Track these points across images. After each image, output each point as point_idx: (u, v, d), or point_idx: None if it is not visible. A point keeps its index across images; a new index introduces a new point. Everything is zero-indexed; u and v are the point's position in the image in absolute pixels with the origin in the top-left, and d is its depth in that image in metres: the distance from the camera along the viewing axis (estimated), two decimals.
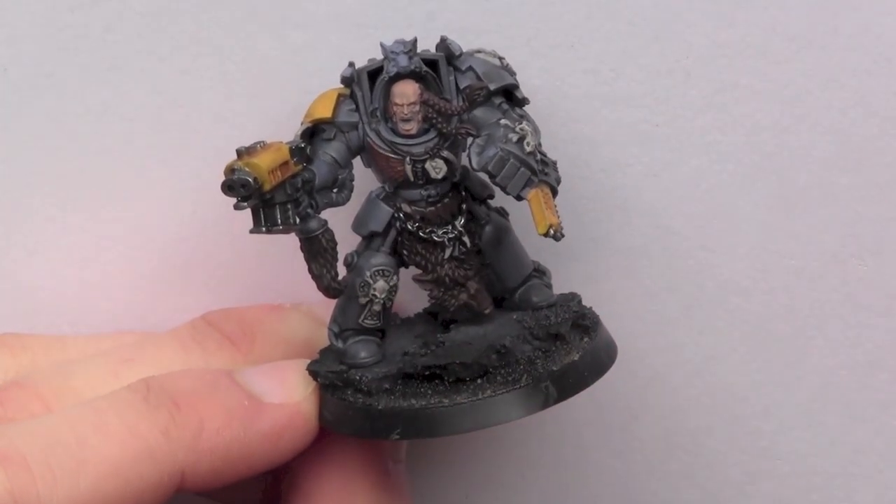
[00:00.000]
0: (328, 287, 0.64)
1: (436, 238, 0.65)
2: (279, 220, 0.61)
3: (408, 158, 0.64)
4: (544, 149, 0.65)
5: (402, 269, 0.67)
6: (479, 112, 0.64)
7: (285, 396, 0.65)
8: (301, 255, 0.64)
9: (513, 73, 0.66)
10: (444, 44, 0.65)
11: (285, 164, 0.61)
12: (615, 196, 0.72)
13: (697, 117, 0.71)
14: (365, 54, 0.65)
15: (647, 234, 0.73)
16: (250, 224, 0.61)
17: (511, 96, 0.65)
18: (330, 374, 0.65)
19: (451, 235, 0.65)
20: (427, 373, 0.63)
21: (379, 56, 0.64)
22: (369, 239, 0.66)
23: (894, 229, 0.73)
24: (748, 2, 0.69)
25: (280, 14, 0.70)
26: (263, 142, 0.61)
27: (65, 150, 0.73)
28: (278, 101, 0.71)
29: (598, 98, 0.71)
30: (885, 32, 0.69)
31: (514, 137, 0.63)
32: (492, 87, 0.64)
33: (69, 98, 0.72)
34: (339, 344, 0.66)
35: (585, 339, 0.64)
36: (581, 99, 0.71)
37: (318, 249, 0.64)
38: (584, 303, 0.67)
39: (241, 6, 0.70)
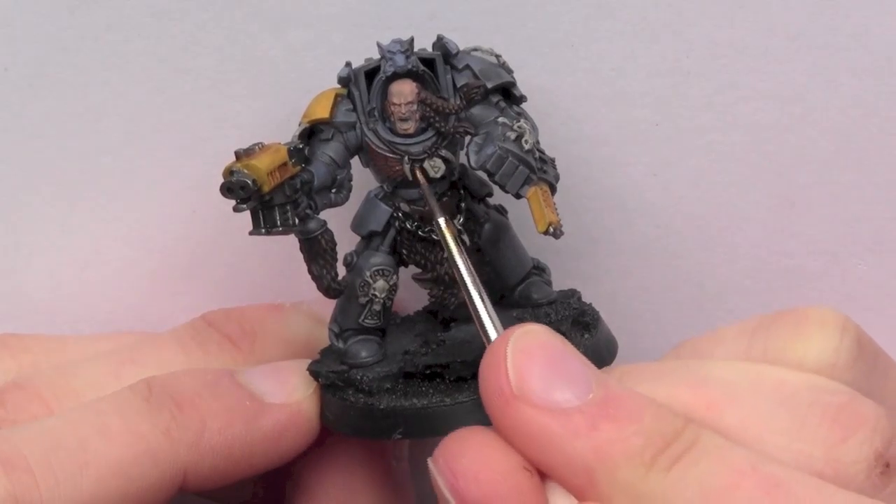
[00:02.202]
0: (328, 287, 0.64)
1: (435, 237, 0.65)
2: (278, 222, 0.61)
3: (406, 158, 0.64)
4: (544, 148, 0.65)
5: (402, 268, 0.67)
6: (476, 110, 0.64)
7: (286, 396, 0.65)
8: (300, 255, 0.64)
9: (510, 71, 0.66)
10: (440, 42, 0.65)
11: (284, 165, 0.61)
12: (615, 195, 0.73)
13: (697, 117, 0.71)
14: (365, 54, 0.65)
15: (647, 233, 0.73)
16: (250, 225, 0.61)
17: (508, 94, 0.65)
18: (331, 375, 0.65)
19: None
20: (428, 372, 0.63)
21: (377, 55, 0.64)
22: (368, 239, 0.66)
23: (894, 229, 0.73)
24: (748, 2, 0.69)
25: (280, 14, 0.70)
26: (262, 143, 0.61)
27: (65, 151, 0.73)
28: (278, 101, 0.71)
29: (598, 98, 0.71)
30: (885, 32, 0.69)
31: (513, 135, 0.63)
32: (489, 85, 0.64)
33: (69, 98, 0.72)
34: (340, 344, 0.66)
35: (586, 336, 0.64)
36: (581, 99, 0.71)
37: (317, 250, 0.64)
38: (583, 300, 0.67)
39: (241, 6, 0.70)
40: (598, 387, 0.52)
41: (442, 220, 0.61)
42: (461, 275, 0.59)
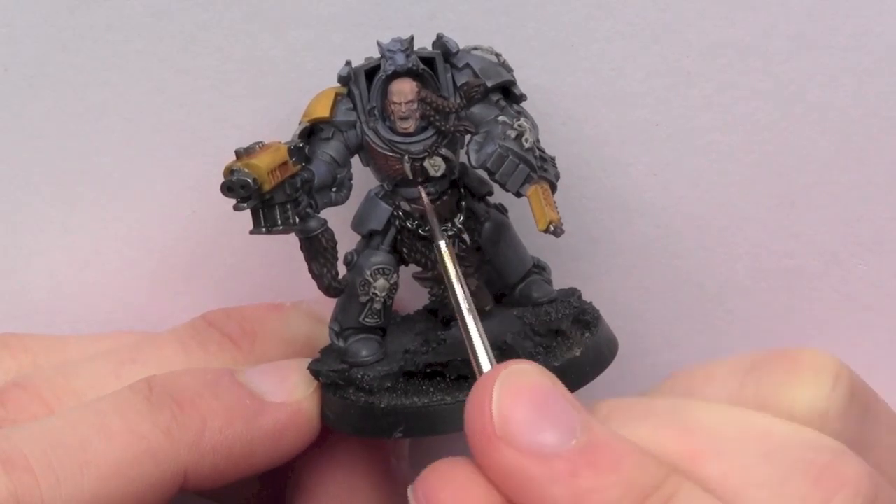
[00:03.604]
0: (329, 286, 0.64)
1: None
2: (279, 221, 0.61)
3: (406, 156, 0.64)
4: (544, 147, 0.65)
5: (402, 267, 0.67)
6: (476, 109, 0.64)
7: (287, 395, 0.65)
8: (301, 254, 0.64)
9: (510, 70, 0.66)
10: (440, 41, 0.65)
11: (284, 164, 0.61)
12: (615, 195, 0.73)
13: (697, 117, 0.71)
14: (365, 54, 0.65)
15: (647, 233, 0.73)
16: (250, 224, 0.61)
17: (508, 93, 0.65)
18: (331, 373, 0.65)
19: (450, 233, 0.65)
20: (429, 370, 0.63)
21: (377, 55, 0.64)
22: (369, 237, 0.66)
23: (894, 229, 0.73)
24: (748, 2, 0.69)
25: (280, 14, 0.70)
26: (262, 142, 0.61)
27: (65, 151, 0.73)
28: (278, 101, 0.71)
29: (598, 98, 0.71)
30: (885, 32, 0.69)
31: (513, 134, 0.63)
32: (489, 83, 0.64)
33: (69, 98, 0.72)
34: (341, 343, 0.66)
35: (587, 335, 0.64)
36: (581, 99, 0.71)
37: (318, 249, 0.64)
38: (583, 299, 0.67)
39: (241, 6, 0.70)
40: (582, 432, 0.51)
41: (443, 244, 0.61)
42: (457, 300, 0.58)
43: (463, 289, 0.58)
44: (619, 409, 0.56)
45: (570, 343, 0.63)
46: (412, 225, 0.65)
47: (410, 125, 0.64)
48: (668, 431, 0.54)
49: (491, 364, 0.56)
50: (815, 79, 0.70)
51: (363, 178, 0.66)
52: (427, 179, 0.65)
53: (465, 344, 0.63)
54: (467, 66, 0.64)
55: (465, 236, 0.66)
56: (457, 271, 0.59)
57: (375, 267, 0.65)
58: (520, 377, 0.52)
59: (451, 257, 0.60)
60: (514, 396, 0.52)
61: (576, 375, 0.62)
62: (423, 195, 0.64)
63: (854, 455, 0.53)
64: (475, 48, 0.65)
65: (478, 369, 0.56)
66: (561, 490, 0.50)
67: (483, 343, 0.57)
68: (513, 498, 0.52)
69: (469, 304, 0.58)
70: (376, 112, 0.64)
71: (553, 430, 0.51)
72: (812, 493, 0.52)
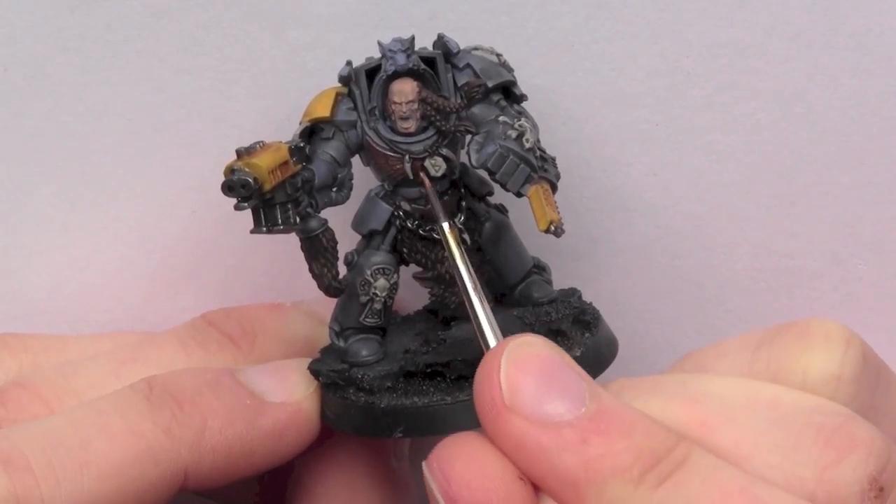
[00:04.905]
0: (329, 286, 0.64)
1: (435, 236, 0.65)
2: (279, 220, 0.61)
3: (407, 156, 0.64)
4: (544, 147, 0.65)
5: (403, 267, 0.67)
6: (477, 109, 0.64)
7: (287, 395, 0.65)
8: (301, 254, 0.64)
9: (510, 70, 0.66)
10: (441, 41, 0.65)
11: (285, 163, 0.61)
12: (615, 195, 0.73)
13: (697, 117, 0.71)
14: (365, 54, 0.65)
15: (647, 233, 0.73)
16: (250, 224, 0.61)
17: (509, 93, 0.65)
18: (332, 373, 0.65)
19: None
20: (429, 370, 0.63)
21: (378, 55, 0.64)
22: (369, 237, 0.66)
23: (894, 229, 0.73)
24: (748, 2, 0.69)
25: (280, 14, 0.70)
26: (262, 142, 0.61)
27: (64, 150, 0.73)
28: (278, 101, 0.71)
29: (598, 98, 0.71)
30: (885, 32, 0.69)
31: (513, 134, 0.63)
32: (490, 83, 0.64)
33: (69, 98, 0.72)
34: (341, 343, 0.66)
35: (587, 335, 0.64)
36: (581, 99, 0.71)
37: (318, 249, 0.64)
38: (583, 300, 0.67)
39: (241, 6, 0.70)
40: (591, 401, 0.52)
41: (446, 225, 0.61)
42: (462, 280, 0.59)
43: (467, 268, 0.59)
44: (629, 386, 0.57)
45: (570, 343, 0.63)
46: (412, 225, 0.65)
47: (411, 125, 0.64)
48: (677, 402, 0.55)
49: (497, 339, 0.56)
50: (815, 79, 0.70)
51: (363, 178, 0.66)
52: (431, 183, 0.64)
53: (464, 344, 0.63)
54: (468, 66, 0.64)
55: (466, 236, 0.66)
56: (460, 251, 0.60)
57: (376, 267, 0.65)
58: (527, 349, 0.53)
59: (454, 238, 0.60)
60: (521, 367, 0.52)
61: None
62: (426, 181, 0.64)
63: (863, 419, 0.54)
64: (476, 48, 0.65)
65: (485, 345, 0.57)
66: (571, 458, 0.51)
67: (490, 320, 0.57)
68: (525, 468, 0.52)
69: (475, 284, 0.58)
70: (377, 112, 0.64)
71: (561, 400, 0.52)
72: (824, 454, 0.52)
